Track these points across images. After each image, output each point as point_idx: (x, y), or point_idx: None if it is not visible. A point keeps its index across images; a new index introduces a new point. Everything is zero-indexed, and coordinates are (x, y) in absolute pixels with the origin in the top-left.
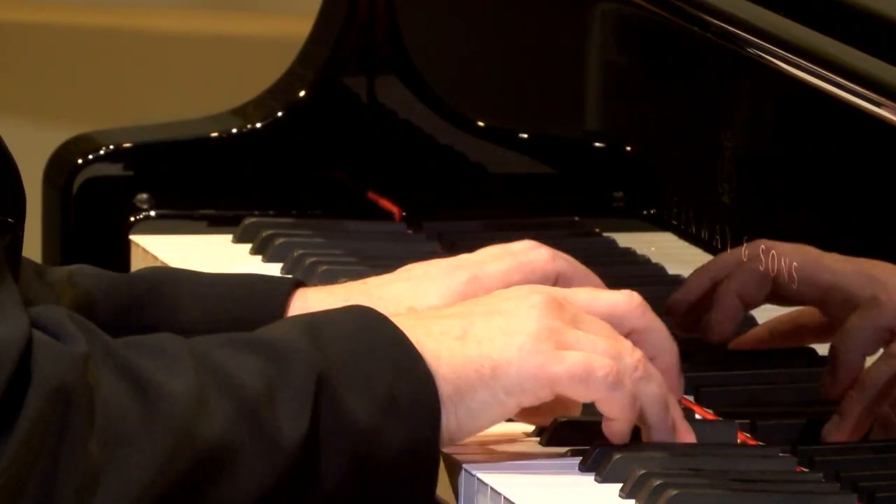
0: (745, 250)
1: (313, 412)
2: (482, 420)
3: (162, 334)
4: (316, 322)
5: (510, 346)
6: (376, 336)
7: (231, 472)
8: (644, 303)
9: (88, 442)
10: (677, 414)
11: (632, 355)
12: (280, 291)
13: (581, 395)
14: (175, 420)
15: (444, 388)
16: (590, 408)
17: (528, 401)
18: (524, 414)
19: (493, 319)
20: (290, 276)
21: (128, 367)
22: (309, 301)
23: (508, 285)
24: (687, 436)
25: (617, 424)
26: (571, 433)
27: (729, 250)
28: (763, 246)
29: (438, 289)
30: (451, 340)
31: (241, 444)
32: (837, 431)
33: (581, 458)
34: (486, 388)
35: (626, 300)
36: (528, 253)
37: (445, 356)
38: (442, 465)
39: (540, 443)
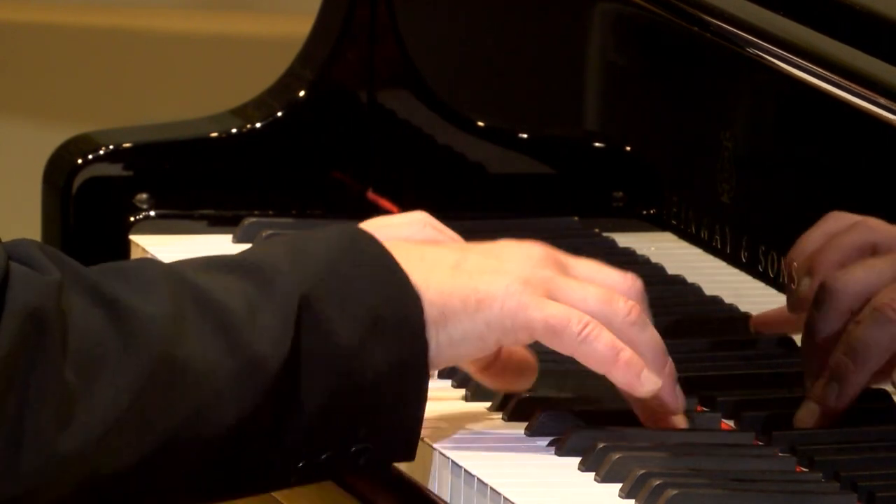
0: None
1: (295, 333)
2: (462, 349)
3: (140, 259)
4: (300, 241)
5: (498, 283)
6: (362, 255)
7: (210, 394)
8: (642, 294)
9: (63, 368)
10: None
11: (625, 301)
12: None
13: (555, 346)
14: (150, 342)
15: (430, 311)
16: (589, 406)
17: (508, 340)
18: (485, 372)
19: (488, 259)
20: None
21: (101, 293)
22: None
23: None
24: (678, 417)
25: (618, 377)
26: (573, 434)
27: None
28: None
29: None
30: (443, 268)
31: (220, 365)
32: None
33: (581, 458)
34: (469, 318)
35: (624, 282)
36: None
37: (435, 281)
38: (441, 465)
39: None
